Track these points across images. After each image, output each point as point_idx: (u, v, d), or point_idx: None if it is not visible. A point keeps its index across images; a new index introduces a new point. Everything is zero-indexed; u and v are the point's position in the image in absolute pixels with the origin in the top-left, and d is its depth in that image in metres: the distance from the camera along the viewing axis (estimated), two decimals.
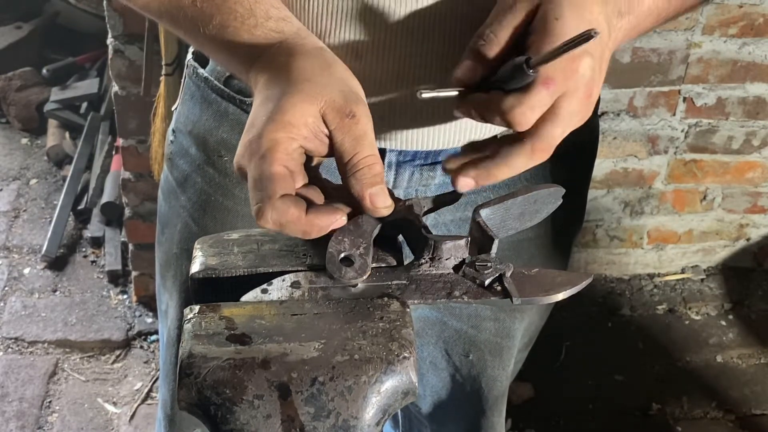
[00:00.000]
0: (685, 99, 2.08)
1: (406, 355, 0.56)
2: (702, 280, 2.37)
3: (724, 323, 2.25)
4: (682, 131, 2.13)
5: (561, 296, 0.63)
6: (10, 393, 2.04)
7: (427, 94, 0.66)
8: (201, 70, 0.94)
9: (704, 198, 2.26)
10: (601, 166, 2.17)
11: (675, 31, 1.96)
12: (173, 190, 1.00)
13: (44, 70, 3.04)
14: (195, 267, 0.64)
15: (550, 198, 0.69)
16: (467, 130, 0.85)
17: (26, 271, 2.40)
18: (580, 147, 0.97)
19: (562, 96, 0.66)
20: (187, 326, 0.58)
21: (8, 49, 3.13)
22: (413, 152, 0.89)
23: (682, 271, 2.39)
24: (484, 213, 0.65)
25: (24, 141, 2.97)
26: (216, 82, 0.92)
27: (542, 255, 0.97)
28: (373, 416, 0.54)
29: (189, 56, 0.96)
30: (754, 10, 1.95)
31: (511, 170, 0.68)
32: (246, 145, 0.63)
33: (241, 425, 0.53)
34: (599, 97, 0.75)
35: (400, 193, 0.91)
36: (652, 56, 1.99)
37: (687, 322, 2.26)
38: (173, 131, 0.99)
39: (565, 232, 1.02)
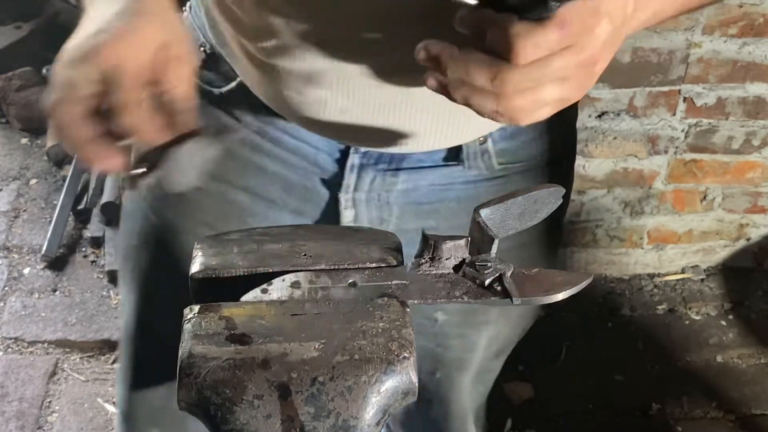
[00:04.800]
0: (685, 99, 2.08)
1: (406, 355, 0.56)
2: (702, 280, 2.37)
3: (724, 323, 2.25)
4: (682, 131, 2.13)
5: (561, 296, 0.63)
6: (10, 393, 2.04)
7: None
8: None
9: (704, 198, 2.26)
10: (601, 166, 2.17)
11: (675, 31, 1.96)
12: None
13: (44, 70, 3.03)
14: (195, 267, 0.64)
15: (550, 198, 0.69)
16: (436, 133, 0.84)
17: (26, 271, 2.40)
18: (558, 159, 0.96)
19: (567, 49, 0.61)
20: (187, 326, 0.58)
21: (8, 49, 3.13)
22: (377, 155, 0.88)
23: (682, 271, 2.39)
24: (484, 213, 0.65)
25: (24, 141, 2.97)
26: None
27: (525, 263, 0.97)
28: (373, 416, 0.54)
29: None
30: (754, 10, 1.95)
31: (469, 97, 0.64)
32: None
33: (241, 425, 0.53)
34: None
35: (361, 197, 0.90)
36: (652, 56, 1.99)
37: (687, 322, 2.26)
38: None
39: (545, 242, 1.01)
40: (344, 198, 0.90)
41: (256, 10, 0.79)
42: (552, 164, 0.95)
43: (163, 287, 0.97)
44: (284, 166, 0.90)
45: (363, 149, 0.88)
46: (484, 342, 1.03)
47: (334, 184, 0.90)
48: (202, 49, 0.90)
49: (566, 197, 1.01)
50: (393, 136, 0.84)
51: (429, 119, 0.82)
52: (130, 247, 1.01)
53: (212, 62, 0.89)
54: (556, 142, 0.95)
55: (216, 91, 0.89)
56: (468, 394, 1.07)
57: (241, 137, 0.90)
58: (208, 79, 0.90)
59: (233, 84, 0.88)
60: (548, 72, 0.61)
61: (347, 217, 0.91)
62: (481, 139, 0.88)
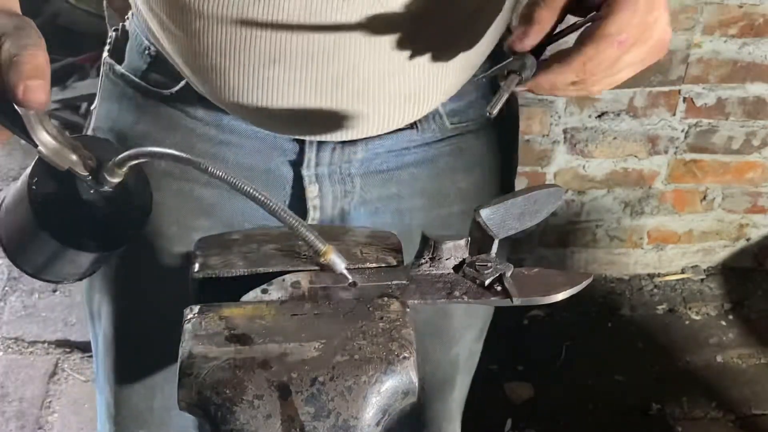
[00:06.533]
0: (685, 99, 2.08)
1: (406, 355, 0.56)
2: (702, 280, 2.37)
3: (724, 323, 2.25)
4: (682, 131, 2.13)
5: (561, 296, 0.63)
6: (10, 393, 2.04)
7: (496, 109, 0.68)
8: (118, 67, 0.94)
9: (704, 198, 2.26)
10: (601, 166, 2.17)
11: (675, 31, 1.96)
12: None
13: None
14: (195, 267, 0.64)
15: (550, 198, 0.69)
16: (384, 119, 0.86)
17: None
18: (504, 117, 0.99)
19: (634, 45, 0.68)
20: (187, 326, 0.58)
21: None
22: None
23: (682, 271, 2.39)
24: (484, 213, 0.65)
25: (24, 141, 2.97)
26: (133, 77, 0.92)
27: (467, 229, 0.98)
28: (373, 416, 0.54)
29: (105, 54, 0.97)
30: (754, 10, 1.95)
31: (552, 84, 0.70)
32: None
33: (241, 425, 0.53)
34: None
35: (323, 172, 0.91)
36: None
37: (687, 322, 2.26)
38: (94, 130, 0.99)
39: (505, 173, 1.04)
40: (307, 174, 0.91)
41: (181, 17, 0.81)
42: (500, 123, 0.98)
43: (142, 291, 0.98)
44: (243, 153, 0.91)
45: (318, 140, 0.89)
46: (457, 312, 1.03)
47: (295, 162, 0.91)
48: (146, 52, 0.91)
49: (515, 148, 1.06)
50: (348, 129, 0.86)
51: (383, 105, 0.85)
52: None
53: (159, 63, 0.90)
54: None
55: (166, 92, 0.90)
56: (442, 367, 1.06)
57: (197, 133, 0.91)
58: (156, 81, 0.91)
59: (182, 83, 0.89)
60: (620, 67, 0.69)
61: (312, 192, 0.92)
62: None
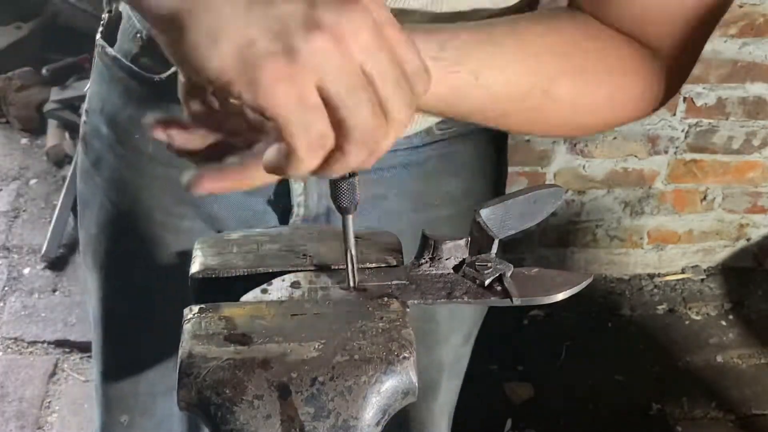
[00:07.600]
0: (685, 99, 2.08)
1: (406, 355, 0.56)
2: (702, 280, 2.37)
3: (724, 323, 2.25)
4: (683, 131, 2.13)
5: (561, 296, 0.63)
6: (10, 393, 2.04)
7: None
8: (109, 49, 0.92)
9: (704, 198, 2.26)
10: (601, 166, 2.17)
11: None
12: (88, 170, 0.99)
13: (44, 70, 3.03)
14: (195, 267, 0.64)
15: (550, 198, 0.69)
16: None
17: (26, 271, 2.40)
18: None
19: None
20: (187, 326, 0.58)
21: (8, 49, 3.13)
22: None
23: (682, 271, 2.39)
24: (484, 213, 0.65)
25: (24, 141, 2.97)
26: (124, 60, 0.90)
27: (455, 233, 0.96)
28: (373, 416, 0.54)
29: (98, 35, 0.95)
30: (754, 10, 1.95)
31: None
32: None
33: (241, 425, 0.53)
34: None
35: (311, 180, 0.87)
36: None
37: (687, 322, 2.26)
38: (86, 111, 0.97)
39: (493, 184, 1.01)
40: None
41: None
42: (486, 129, 0.94)
43: (124, 272, 0.99)
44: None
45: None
46: (443, 317, 1.01)
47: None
48: (138, 35, 0.88)
49: (505, 152, 1.02)
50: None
51: None
52: (91, 235, 1.01)
53: (150, 48, 0.87)
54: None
55: (156, 77, 0.87)
56: (426, 371, 1.03)
57: None
58: (146, 65, 0.88)
59: (172, 69, 0.84)
60: None
61: (297, 190, 0.89)
62: None
